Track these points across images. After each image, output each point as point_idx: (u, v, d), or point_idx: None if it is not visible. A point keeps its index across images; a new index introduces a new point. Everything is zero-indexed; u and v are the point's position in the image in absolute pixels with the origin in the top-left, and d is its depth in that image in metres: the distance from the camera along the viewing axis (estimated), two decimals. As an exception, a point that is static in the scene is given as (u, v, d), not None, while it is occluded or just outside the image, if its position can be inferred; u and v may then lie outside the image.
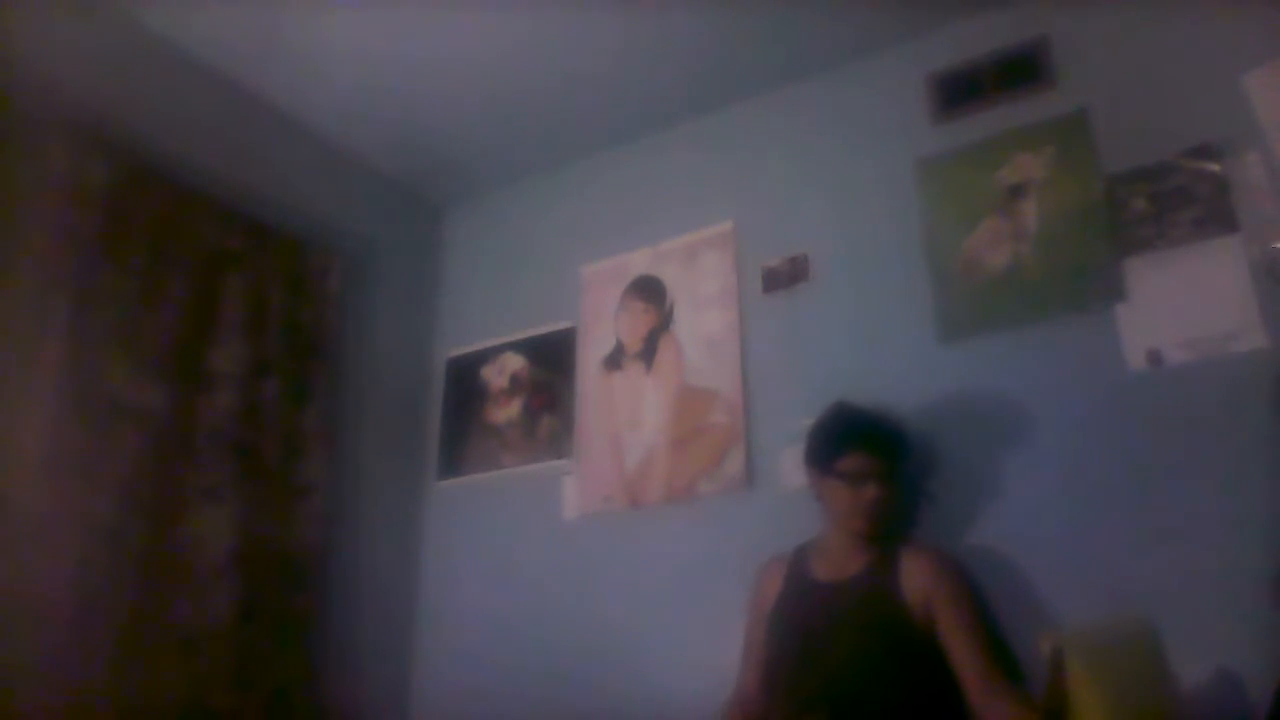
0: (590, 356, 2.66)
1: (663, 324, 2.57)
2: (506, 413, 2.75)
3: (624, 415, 2.53)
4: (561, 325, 2.75)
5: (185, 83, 2.36)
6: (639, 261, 2.68)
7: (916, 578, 1.74)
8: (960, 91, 2.29)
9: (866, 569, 1.80)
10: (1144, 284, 1.91)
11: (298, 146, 2.67)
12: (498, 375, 2.82)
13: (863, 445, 1.84)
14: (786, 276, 2.40)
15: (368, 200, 2.89)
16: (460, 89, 2.57)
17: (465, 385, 2.87)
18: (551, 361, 2.73)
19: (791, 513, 2.04)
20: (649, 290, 2.63)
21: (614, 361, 2.62)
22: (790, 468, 2.16)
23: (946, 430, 2.01)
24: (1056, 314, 1.99)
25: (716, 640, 2.01)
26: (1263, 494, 1.66)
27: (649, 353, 2.56)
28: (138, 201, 2.11)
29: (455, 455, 2.80)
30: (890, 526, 1.87)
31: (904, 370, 2.11)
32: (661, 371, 2.52)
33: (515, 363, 2.80)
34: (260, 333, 2.33)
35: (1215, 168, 1.89)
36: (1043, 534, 1.85)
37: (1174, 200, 1.92)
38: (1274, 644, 1.51)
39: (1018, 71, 2.22)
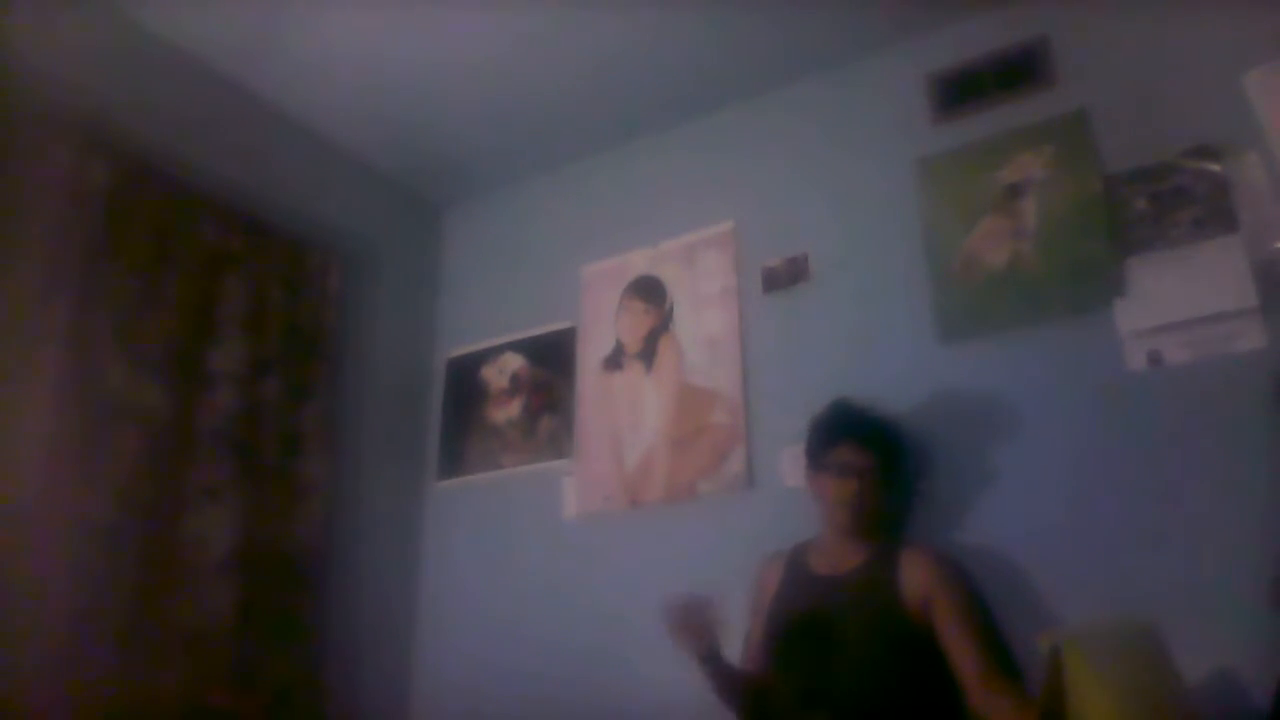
0: (590, 356, 2.66)
1: (663, 324, 2.57)
2: (506, 413, 2.75)
3: (624, 415, 2.53)
4: (561, 325, 2.75)
5: (185, 83, 2.36)
6: (639, 261, 2.68)
7: (916, 577, 1.74)
8: (960, 91, 2.29)
9: (865, 564, 1.80)
10: (1144, 284, 1.90)
11: (297, 146, 2.67)
12: (498, 375, 2.82)
13: (851, 437, 1.85)
14: (786, 276, 2.40)
15: (368, 200, 2.89)
16: (460, 89, 2.57)
17: (465, 385, 2.87)
18: (551, 361, 2.73)
19: (791, 512, 2.05)
20: (649, 290, 2.63)
21: (614, 361, 2.62)
22: (790, 468, 2.16)
23: (946, 430, 2.01)
24: (1056, 314, 1.99)
25: (716, 640, 2.01)
26: (1263, 494, 1.66)
27: (649, 353, 2.56)
28: (138, 201, 2.11)
29: (455, 455, 2.80)
30: (880, 524, 1.88)
31: (904, 370, 2.11)
32: (661, 371, 2.52)
33: (515, 363, 2.80)
34: (260, 332, 2.33)
35: (1215, 168, 1.89)
36: (1042, 534, 1.85)
37: (1174, 200, 1.92)
38: (1274, 644, 1.51)
39: (1018, 71, 2.21)
